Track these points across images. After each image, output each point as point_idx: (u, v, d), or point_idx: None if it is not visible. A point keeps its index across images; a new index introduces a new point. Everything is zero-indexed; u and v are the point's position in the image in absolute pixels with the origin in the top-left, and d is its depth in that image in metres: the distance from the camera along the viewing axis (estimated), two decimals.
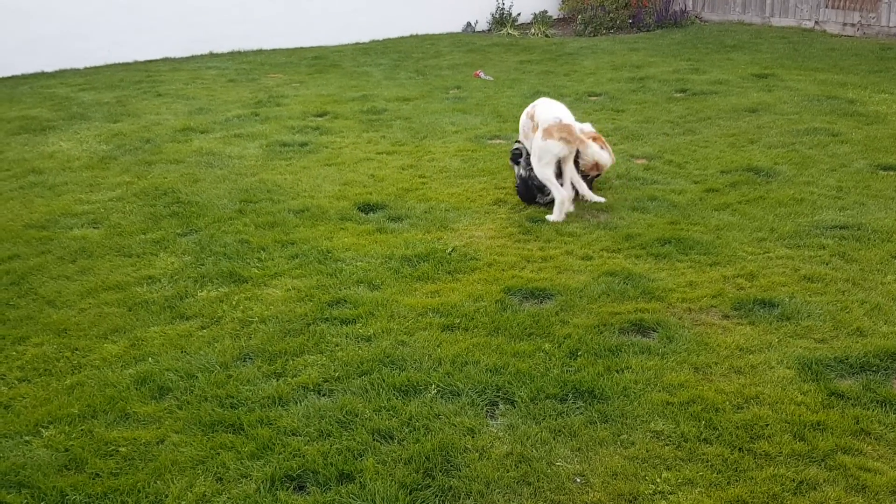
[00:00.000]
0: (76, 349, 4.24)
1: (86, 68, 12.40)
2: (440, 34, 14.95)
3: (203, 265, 5.16)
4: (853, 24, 12.68)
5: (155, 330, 4.40)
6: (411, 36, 14.90)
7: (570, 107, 8.72)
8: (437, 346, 4.09)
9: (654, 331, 4.21)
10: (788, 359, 3.89)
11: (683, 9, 14.85)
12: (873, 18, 12.40)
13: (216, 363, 4.01)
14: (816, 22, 13.20)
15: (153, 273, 5.09)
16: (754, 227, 5.50)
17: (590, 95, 9.58)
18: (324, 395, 3.72)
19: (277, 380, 3.85)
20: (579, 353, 3.98)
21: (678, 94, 9.42)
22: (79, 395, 3.80)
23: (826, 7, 13.03)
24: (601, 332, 4.18)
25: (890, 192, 6.01)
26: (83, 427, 3.56)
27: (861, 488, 3.04)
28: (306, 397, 3.70)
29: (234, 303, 4.65)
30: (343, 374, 3.87)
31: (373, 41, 14.50)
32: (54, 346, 4.28)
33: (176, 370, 3.97)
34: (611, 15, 14.25)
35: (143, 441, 3.45)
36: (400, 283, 4.85)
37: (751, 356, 3.93)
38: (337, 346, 4.14)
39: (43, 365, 4.10)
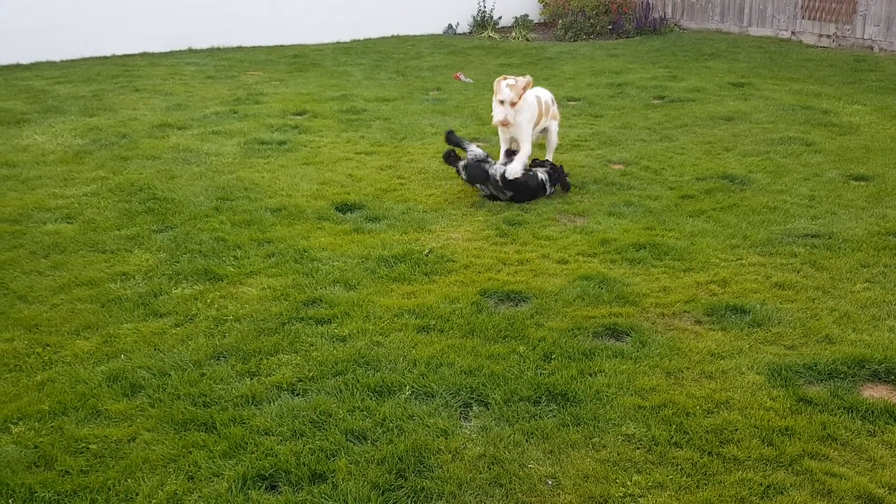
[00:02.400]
0: (47, 345, 4.20)
1: (62, 61, 12.26)
2: (421, 35, 14.96)
3: (178, 262, 5.13)
4: (829, 36, 12.87)
5: (128, 327, 4.36)
6: (392, 36, 14.89)
7: None
8: (413, 348, 4.09)
9: (628, 335, 4.24)
10: (758, 365, 3.94)
11: (663, 16, 14.98)
12: (848, 30, 12.59)
13: (189, 361, 3.99)
14: (793, 32, 13.38)
15: (127, 269, 5.05)
16: (728, 233, 5.56)
17: (569, 100, 9.64)
18: (297, 395, 3.72)
19: (251, 379, 3.84)
20: (553, 356, 4.01)
21: (656, 101, 9.50)
22: (49, 391, 3.76)
23: (802, 18, 13.20)
24: (575, 336, 4.21)
25: (861, 202, 6.10)
26: (53, 424, 3.53)
27: (827, 493, 3.09)
28: (280, 397, 3.69)
29: (208, 301, 4.63)
30: (317, 373, 3.87)
31: (353, 41, 14.48)
32: (25, 341, 4.23)
33: (149, 368, 3.94)
34: (591, 21, 14.34)
35: (114, 439, 3.42)
36: (376, 283, 4.85)
37: (722, 361, 3.98)
38: (312, 345, 4.13)
39: (13, 360, 4.05)
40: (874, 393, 3.73)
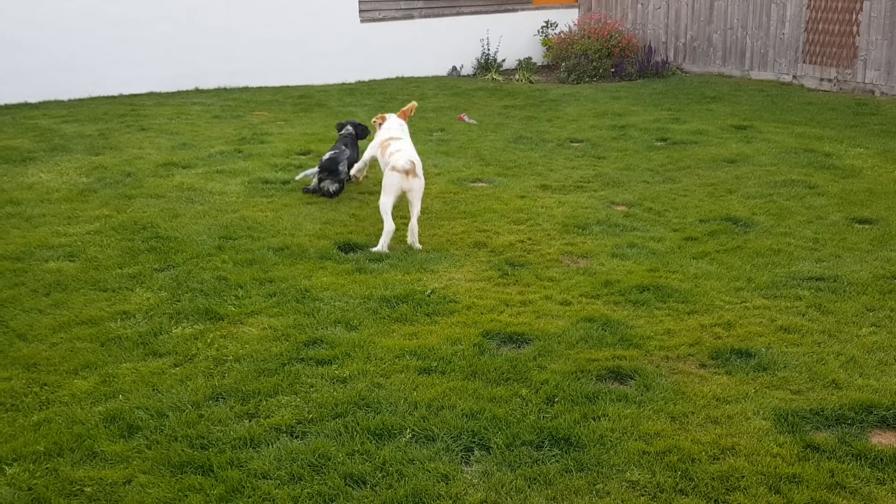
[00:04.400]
0: (45, 384, 4.16)
1: (70, 100, 12.38)
2: (425, 77, 15.10)
3: (179, 301, 5.11)
4: (830, 80, 12.96)
5: (127, 366, 4.33)
6: (397, 78, 15.03)
7: (552, 153, 8.79)
8: (414, 390, 4.05)
9: (632, 378, 4.20)
10: (765, 410, 3.88)
11: (665, 60, 15.13)
12: (849, 74, 12.69)
13: (188, 402, 3.95)
14: (794, 76, 13.49)
15: (128, 308, 5.03)
16: (732, 276, 5.54)
17: (572, 142, 9.69)
18: (296, 438, 3.66)
19: (250, 420, 3.79)
20: (556, 400, 3.95)
21: (659, 143, 9.54)
22: (45, 431, 3.71)
23: (804, 62, 13.32)
24: (578, 379, 4.16)
25: (865, 245, 6.08)
26: (48, 465, 3.48)
27: None
28: (279, 439, 3.64)
29: (208, 340, 4.59)
30: (317, 416, 3.82)
31: (359, 82, 14.62)
32: (23, 380, 4.19)
33: (146, 408, 3.90)
34: (594, 63, 14.47)
35: (110, 481, 3.37)
36: (378, 324, 4.82)
37: (727, 406, 3.93)
38: (312, 387, 4.09)
39: (10, 400, 4.02)
40: (883, 440, 3.67)
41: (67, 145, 9.26)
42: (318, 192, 7.42)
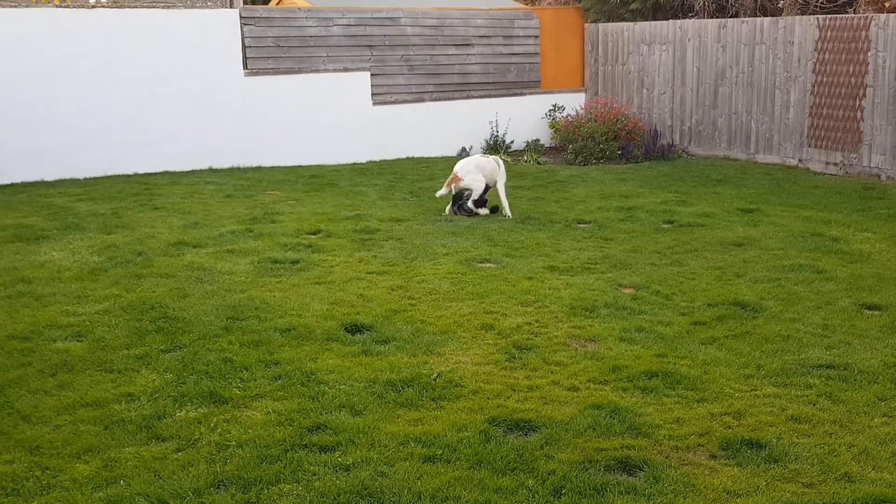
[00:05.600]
0: (47, 468, 4.12)
1: (85, 179, 12.62)
2: (435, 157, 15.35)
3: (184, 384, 5.09)
4: (836, 164, 13.10)
5: (129, 451, 4.29)
6: (407, 158, 15.28)
7: (559, 233, 8.86)
8: (418, 479, 3.98)
9: (641, 469, 4.12)
10: None
11: (671, 143, 15.35)
12: (855, 158, 12.83)
13: (189, 489, 3.89)
14: (800, 160, 13.64)
15: (133, 390, 5.01)
16: (741, 363, 5.49)
17: (579, 223, 9.76)
18: None
19: None
20: (563, 492, 3.88)
21: (666, 225, 9.61)
22: None
23: (809, 146, 13.50)
24: (586, 470, 4.09)
25: (875, 332, 6.04)
26: None
27: None
28: None
29: (212, 425, 4.56)
30: None
31: (370, 161, 14.86)
32: (25, 463, 4.16)
33: (147, 495, 3.85)
34: (601, 146, 14.70)
35: None
36: (383, 408, 4.77)
37: (738, 500, 3.84)
38: (314, 475, 4.03)
39: (11, 484, 3.98)
40: None
41: (81, 224, 9.39)
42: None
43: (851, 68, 12.73)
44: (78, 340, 5.85)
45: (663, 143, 15.28)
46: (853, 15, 12.99)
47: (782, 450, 4.29)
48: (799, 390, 5.05)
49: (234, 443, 4.35)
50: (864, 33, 12.50)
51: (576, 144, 14.94)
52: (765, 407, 4.82)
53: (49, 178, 12.45)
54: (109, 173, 12.94)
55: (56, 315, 6.34)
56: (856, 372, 5.29)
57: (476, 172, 10.11)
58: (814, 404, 4.86)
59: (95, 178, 12.66)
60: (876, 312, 6.50)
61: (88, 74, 12.77)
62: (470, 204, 10.06)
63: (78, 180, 12.50)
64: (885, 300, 6.74)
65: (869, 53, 12.46)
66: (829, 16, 13.17)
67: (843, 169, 13.03)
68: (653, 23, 15.87)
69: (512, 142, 15.97)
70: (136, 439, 4.42)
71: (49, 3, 12.64)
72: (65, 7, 12.65)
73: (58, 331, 6.02)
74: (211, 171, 13.60)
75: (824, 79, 13.14)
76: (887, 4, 13.47)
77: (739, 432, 4.49)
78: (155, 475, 4.04)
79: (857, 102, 12.71)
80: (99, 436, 4.45)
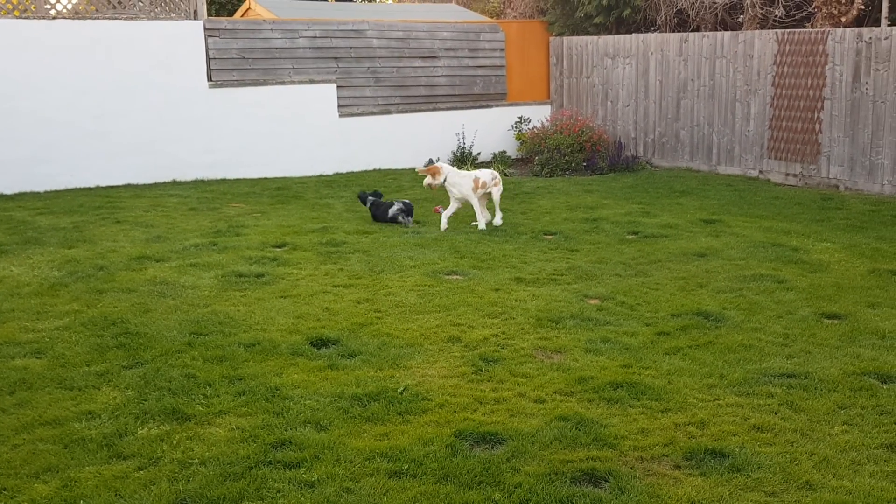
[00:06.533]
0: (4, 489, 4.03)
1: (46, 192, 12.41)
2: (403, 169, 15.35)
3: (146, 401, 5.01)
4: (795, 175, 13.35)
5: (90, 470, 4.21)
6: (374, 170, 15.27)
7: (526, 245, 8.89)
8: (384, 494, 3.96)
9: (606, 480, 4.14)
10: None
11: (635, 154, 15.53)
12: (814, 169, 13.09)
13: None
14: (761, 171, 13.88)
15: (93, 408, 4.92)
16: (704, 372, 5.55)
17: (545, 234, 9.82)
18: None
19: None
20: None
21: (630, 236, 9.70)
22: None
23: (769, 157, 13.74)
24: (552, 482, 4.10)
25: (834, 340, 6.14)
26: None
27: None
28: None
29: (174, 442, 4.49)
30: None
31: (336, 174, 14.82)
32: None
33: None
34: (566, 158, 14.82)
35: None
36: (348, 423, 4.74)
37: None
38: (279, 491, 3.99)
39: None
40: None
41: (41, 238, 9.23)
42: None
43: (810, 81, 13.00)
44: (37, 357, 5.74)
45: (627, 154, 15.45)
46: (811, 29, 13.28)
47: (745, 459, 4.34)
48: (761, 399, 5.12)
49: (197, 460, 4.29)
50: (821, 47, 12.77)
51: (542, 156, 15.05)
52: (728, 416, 4.88)
53: (8, 191, 12.23)
54: (71, 186, 12.75)
55: (14, 331, 6.21)
56: (816, 381, 5.38)
57: (461, 185, 10.13)
58: (776, 413, 4.93)
59: (57, 192, 12.46)
60: (835, 321, 6.61)
61: (49, 86, 12.59)
62: (398, 211, 10.62)
63: (38, 194, 12.29)
64: (844, 309, 6.86)
65: (826, 67, 12.74)
66: (788, 30, 13.44)
67: (802, 180, 13.28)
68: (616, 36, 16.08)
69: (479, 153, 16.03)
70: (96, 458, 4.34)
71: (8, 14, 12.43)
72: (25, 18, 12.45)
73: (16, 347, 5.89)
74: (175, 183, 13.46)
75: (783, 91, 13.39)
76: (843, 19, 13.78)
77: (703, 442, 4.53)
78: (116, 495, 3.97)
79: (816, 115, 12.97)
80: (58, 455, 4.36)
